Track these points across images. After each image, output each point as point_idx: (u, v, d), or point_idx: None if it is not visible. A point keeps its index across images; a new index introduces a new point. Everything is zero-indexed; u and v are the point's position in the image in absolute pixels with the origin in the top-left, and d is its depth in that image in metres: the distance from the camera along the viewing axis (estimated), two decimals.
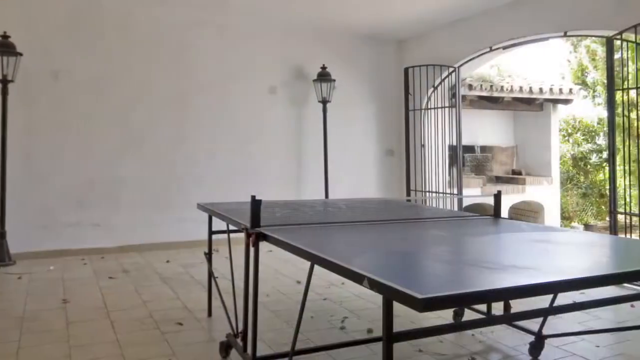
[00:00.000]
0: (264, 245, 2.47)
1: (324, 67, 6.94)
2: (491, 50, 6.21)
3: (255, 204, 2.51)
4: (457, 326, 1.84)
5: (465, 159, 8.97)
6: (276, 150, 7.01)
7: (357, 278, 1.59)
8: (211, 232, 3.57)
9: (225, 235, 3.22)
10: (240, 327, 2.71)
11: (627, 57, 4.71)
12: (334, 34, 7.31)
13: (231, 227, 2.94)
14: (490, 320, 2.22)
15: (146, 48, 6.32)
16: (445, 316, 3.57)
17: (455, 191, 6.99)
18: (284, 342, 3.16)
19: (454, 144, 6.75)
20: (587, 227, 10.89)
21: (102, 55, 6.11)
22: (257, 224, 2.51)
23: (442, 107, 6.94)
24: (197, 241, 6.17)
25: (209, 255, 3.55)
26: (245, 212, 3.03)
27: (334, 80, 6.95)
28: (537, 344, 2.98)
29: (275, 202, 3.82)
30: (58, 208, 5.90)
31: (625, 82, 4.71)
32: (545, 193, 9.07)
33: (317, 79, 6.92)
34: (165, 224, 6.34)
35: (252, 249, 2.49)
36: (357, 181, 7.50)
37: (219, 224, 3.16)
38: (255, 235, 2.42)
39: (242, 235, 2.56)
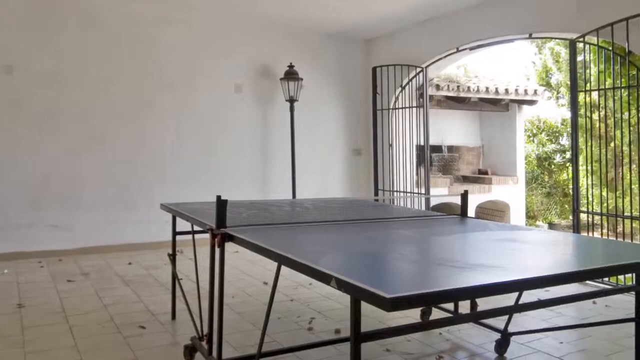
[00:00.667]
0: (229, 246, 2.44)
1: (291, 66, 6.92)
2: (458, 50, 6.31)
3: (221, 204, 2.49)
4: (425, 325, 1.86)
5: (432, 158, 9.09)
6: (242, 149, 6.96)
7: (324, 278, 1.59)
8: (175, 233, 3.52)
9: (189, 236, 3.17)
10: (205, 330, 2.68)
11: (590, 60, 4.86)
12: (301, 32, 7.30)
13: (196, 228, 2.90)
14: (457, 318, 2.25)
15: (108, 43, 6.18)
16: (412, 315, 3.61)
17: (423, 191, 7.08)
18: (250, 344, 3.14)
19: (422, 143, 6.83)
20: (551, 225, 11.20)
21: (61, 50, 5.94)
22: (222, 225, 2.49)
23: (409, 107, 7.02)
24: (161, 242, 6.08)
25: (172, 257, 3.49)
26: (210, 212, 3.00)
27: (302, 79, 6.95)
28: (503, 342, 3.04)
29: (241, 202, 3.79)
30: (11, 208, 5.71)
31: (588, 84, 4.86)
32: (511, 192, 9.29)
33: (284, 78, 6.90)
34: (128, 224, 6.21)
35: (217, 250, 2.46)
36: (325, 181, 7.51)
37: (183, 225, 3.11)
38: (221, 236, 2.39)
39: (207, 236, 2.53)
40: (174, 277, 3.52)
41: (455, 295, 1.49)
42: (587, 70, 4.84)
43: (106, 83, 6.17)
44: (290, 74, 6.88)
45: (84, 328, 3.44)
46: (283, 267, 1.96)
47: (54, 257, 5.76)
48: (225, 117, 6.84)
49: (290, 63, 6.94)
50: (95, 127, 6.11)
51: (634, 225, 4.53)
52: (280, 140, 7.13)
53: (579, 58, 4.92)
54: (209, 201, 3.70)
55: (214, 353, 2.56)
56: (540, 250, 2.18)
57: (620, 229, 4.50)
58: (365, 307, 1.55)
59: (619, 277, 4.55)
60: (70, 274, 5.00)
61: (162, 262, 5.50)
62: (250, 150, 7.02)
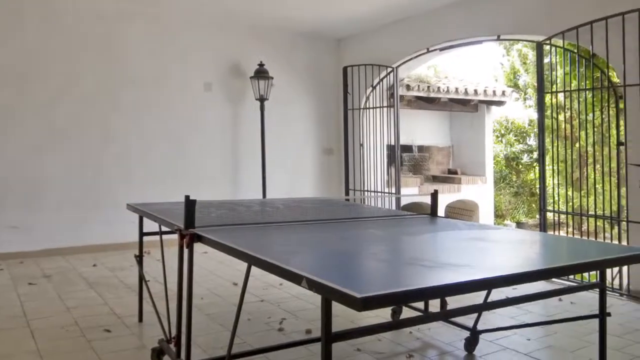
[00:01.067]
0: (198, 247, 2.42)
1: (261, 64, 6.89)
2: (428, 51, 6.39)
3: (190, 203, 2.46)
4: (395, 324, 1.88)
5: (403, 158, 9.18)
6: (212, 148, 6.89)
7: (295, 278, 1.59)
8: (142, 234, 3.46)
9: (157, 237, 3.12)
10: (174, 332, 2.64)
11: (556, 62, 4.98)
12: (271, 30, 7.28)
13: (164, 229, 2.86)
14: (427, 317, 2.28)
15: (71, 39, 6.03)
16: (383, 315, 3.64)
17: (394, 190, 7.14)
18: (219, 346, 3.11)
19: (392, 143, 6.89)
20: (519, 224, 11.44)
21: (20, 47, 5.78)
22: (191, 225, 2.46)
23: (380, 107, 7.07)
24: (127, 243, 5.98)
25: (139, 258, 3.44)
26: (178, 212, 2.96)
27: (272, 78, 6.92)
28: (472, 339, 3.09)
29: (210, 202, 3.75)
30: None
31: (554, 86, 4.98)
32: (480, 192, 9.44)
33: (254, 76, 6.86)
34: (92, 225, 6.08)
35: (186, 251, 2.43)
36: (296, 180, 7.51)
37: (150, 225, 3.07)
38: (190, 237, 2.36)
39: (175, 236, 2.49)
40: (141, 278, 3.46)
41: (425, 294, 1.51)
42: (554, 72, 4.96)
43: (69, 80, 6.03)
44: (261, 73, 6.85)
45: (46, 332, 3.36)
46: (253, 268, 1.95)
47: (15, 260, 5.60)
48: (194, 115, 6.76)
49: (261, 61, 6.91)
50: (58, 126, 5.96)
51: (598, 223, 4.66)
52: (250, 139, 7.09)
53: (546, 60, 5.03)
54: (177, 201, 3.66)
55: (183, 355, 2.53)
56: (508, 249, 2.23)
57: (585, 227, 4.63)
58: (336, 306, 1.55)
59: (583, 274, 4.68)
60: (32, 277, 4.87)
61: (129, 264, 5.40)
62: (220, 149, 6.95)
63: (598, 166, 4.67)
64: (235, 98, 7.07)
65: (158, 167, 6.51)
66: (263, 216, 3.08)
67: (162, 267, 3.01)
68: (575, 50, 4.66)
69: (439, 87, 8.54)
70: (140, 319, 3.58)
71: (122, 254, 5.88)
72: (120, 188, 6.22)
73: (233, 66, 7.05)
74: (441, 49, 6.33)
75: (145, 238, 3.46)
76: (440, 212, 8.65)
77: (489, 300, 2.94)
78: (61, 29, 5.97)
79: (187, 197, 2.46)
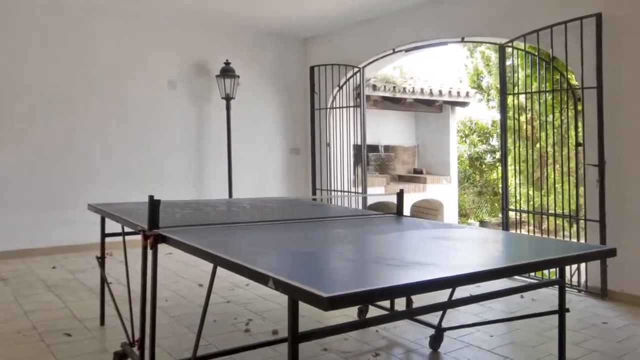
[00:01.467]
0: (163, 248, 2.38)
1: (227, 63, 6.84)
2: (394, 52, 6.45)
3: (154, 204, 2.42)
4: (362, 323, 1.89)
5: (369, 158, 9.25)
6: (177, 147, 6.79)
7: (262, 279, 1.58)
8: (104, 235, 3.38)
9: (120, 238, 3.06)
10: (137, 335, 2.59)
11: (518, 64, 5.10)
12: (237, 29, 7.22)
13: (127, 229, 2.80)
14: (393, 316, 2.31)
15: (31, 35, 5.85)
16: (350, 314, 3.66)
17: (360, 190, 7.19)
18: (184, 349, 3.07)
19: (359, 143, 6.93)
20: (483, 223, 11.68)
21: None
22: (155, 225, 2.42)
23: (347, 107, 7.10)
24: (88, 245, 5.85)
25: (101, 260, 3.36)
26: (142, 212, 2.91)
27: (238, 77, 6.87)
28: (437, 337, 3.14)
29: (175, 202, 3.70)
30: None
31: (516, 87, 5.10)
32: (445, 191, 9.60)
33: (220, 75, 6.80)
34: (52, 226, 5.92)
35: (150, 252, 2.39)
36: (262, 180, 7.47)
37: (113, 226, 3.00)
38: (154, 237, 2.33)
39: (139, 237, 2.45)
40: (103, 280, 3.39)
41: (391, 292, 1.53)
42: (515, 74, 5.08)
43: (28, 77, 5.85)
44: (227, 71, 6.79)
45: (2, 337, 3.25)
46: (219, 269, 1.93)
47: None
48: (158, 114, 6.65)
49: (227, 60, 6.86)
50: (16, 125, 5.77)
51: (557, 222, 4.80)
52: (216, 138, 7.02)
53: (508, 62, 5.16)
54: (140, 201, 3.59)
55: (146, 359, 2.49)
56: (472, 247, 2.27)
57: (545, 225, 4.76)
58: (303, 306, 1.55)
59: (544, 271, 4.81)
60: None
61: (90, 266, 5.28)
62: (185, 148, 6.86)
63: (557, 166, 4.81)
64: (201, 96, 6.99)
65: (121, 167, 6.38)
66: (229, 216, 3.05)
67: (125, 268, 2.95)
68: (536, 53, 4.79)
69: (404, 88, 8.65)
70: (102, 323, 3.51)
71: (83, 256, 5.74)
72: (82, 188, 6.07)
73: (198, 64, 6.97)
74: (407, 50, 6.40)
75: (107, 239, 3.38)
76: (406, 211, 8.76)
77: (453, 298, 2.99)
78: (21, 24, 5.79)
79: (151, 197, 2.42)
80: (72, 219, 5.94)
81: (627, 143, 4.19)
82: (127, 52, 6.44)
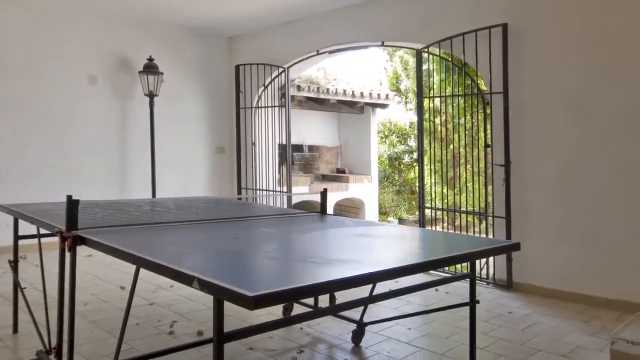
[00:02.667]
0: (82, 250, 2.28)
1: (150, 59, 6.61)
2: (318, 53, 6.52)
3: (72, 204, 2.31)
4: (286, 321, 1.90)
5: (294, 157, 9.29)
6: (97, 145, 6.49)
7: (186, 279, 1.56)
8: (17, 237, 3.18)
9: (35, 240, 2.89)
10: (54, 342, 2.46)
11: (433, 69, 5.32)
12: (161, 25, 7.00)
13: (43, 231, 2.65)
14: (317, 312, 2.34)
15: None
16: (275, 312, 3.67)
17: (285, 189, 7.21)
18: (105, 354, 2.95)
19: (284, 142, 6.95)
20: (401, 221, 12.07)
21: None
22: (74, 227, 2.31)
23: (272, 106, 7.09)
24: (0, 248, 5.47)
25: (14, 264, 3.16)
26: (59, 213, 2.76)
27: (162, 74, 6.67)
28: (359, 332, 3.22)
29: (95, 202, 3.54)
30: None
31: (431, 91, 5.32)
32: (366, 190, 9.84)
33: (143, 71, 6.56)
34: None
35: (67, 254, 2.28)
36: (187, 179, 7.30)
37: (27, 228, 2.83)
38: (72, 239, 2.22)
39: (56, 239, 2.33)
40: (16, 285, 3.18)
41: (314, 290, 1.55)
42: (431, 78, 5.29)
43: None
44: (150, 68, 6.57)
45: None
46: (142, 270, 1.88)
47: None
48: (76, 110, 6.32)
49: (150, 56, 6.63)
50: None
51: (469, 219, 5.06)
52: (139, 136, 6.77)
53: (424, 67, 5.36)
54: (58, 201, 3.41)
55: None
56: (391, 244, 2.35)
57: (458, 222, 5.00)
58: (228, 306, 1.55)
59: (457, 266, 5.06)
60: None
61: (1, 270, 4.93)
62: (107, 146, 6.56)
63: (469, 166, 5.07)
64: (123, 93, 6.72)
65: (36, 165, 6.00)
66: (153, 216, 2.96)
67: (40, 272, 2.79)
68: (450, 59, 5.01)
69: (328, 89, 8.76)
70: (16, 330, 3.29)
71: None
72: None
73: (120, 60, 6.69)
74: (330, 52, 6.49)
75: (20, 242, 3.18)
76: (330, 209, 8.88)
77: (374, 293, 3.08)
78: None
79: (69, 197, 2.31)
80: None
81: (529, 145, 4.48)
82: (40, 46, 6.06)
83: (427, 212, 5.43)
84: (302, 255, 1.97)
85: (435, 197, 5.57)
